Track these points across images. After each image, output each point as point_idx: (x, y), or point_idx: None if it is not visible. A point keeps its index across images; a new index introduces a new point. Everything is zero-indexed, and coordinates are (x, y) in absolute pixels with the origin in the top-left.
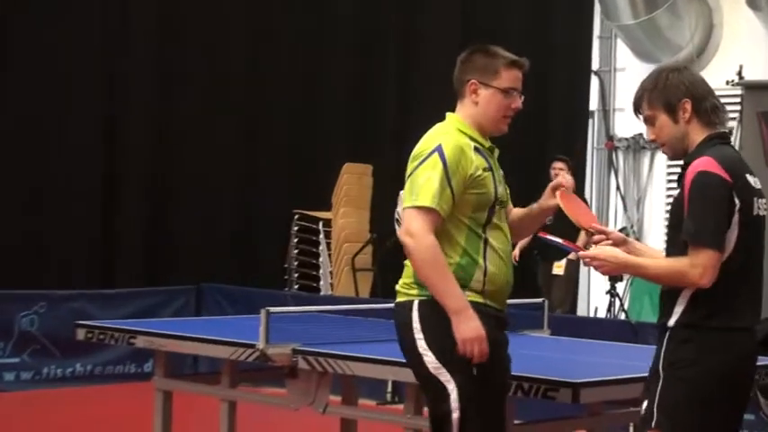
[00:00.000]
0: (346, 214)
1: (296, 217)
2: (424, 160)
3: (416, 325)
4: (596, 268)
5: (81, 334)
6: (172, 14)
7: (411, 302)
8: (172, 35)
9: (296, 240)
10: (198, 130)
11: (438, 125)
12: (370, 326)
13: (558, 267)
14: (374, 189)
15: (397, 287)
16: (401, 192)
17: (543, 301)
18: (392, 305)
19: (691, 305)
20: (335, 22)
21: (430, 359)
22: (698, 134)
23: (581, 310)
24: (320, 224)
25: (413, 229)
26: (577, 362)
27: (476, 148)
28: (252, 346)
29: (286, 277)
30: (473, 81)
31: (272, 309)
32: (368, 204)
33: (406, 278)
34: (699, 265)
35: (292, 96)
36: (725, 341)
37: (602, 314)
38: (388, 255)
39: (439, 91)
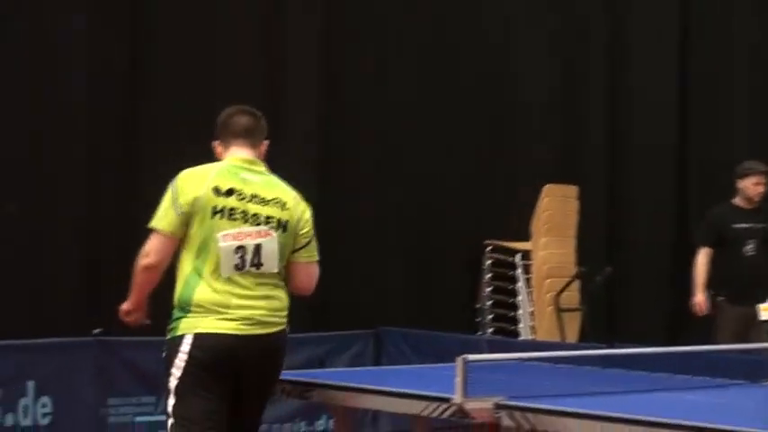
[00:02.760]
0: (548, 244)
1: (488, 249)
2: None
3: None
4: None
5: None
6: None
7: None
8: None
9: (489, 276)
10: (370, 148)
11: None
12: (580, 375)
13: (767, 310)
14: (581, 214)
15: (275, 318)
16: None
17: None
18: (605, 351)
19: None
20: (530, 19)
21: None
22: None
23: None
24: (518, 257)
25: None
26: None
27: None
28: (446, 399)
29: (478, 319)
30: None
31: (470, 356)
32: (574, 232)
33: (283, 310)
34: None
35: (481, 106)
36: None
37: None
38: (598, 291)
39: (654, 98)
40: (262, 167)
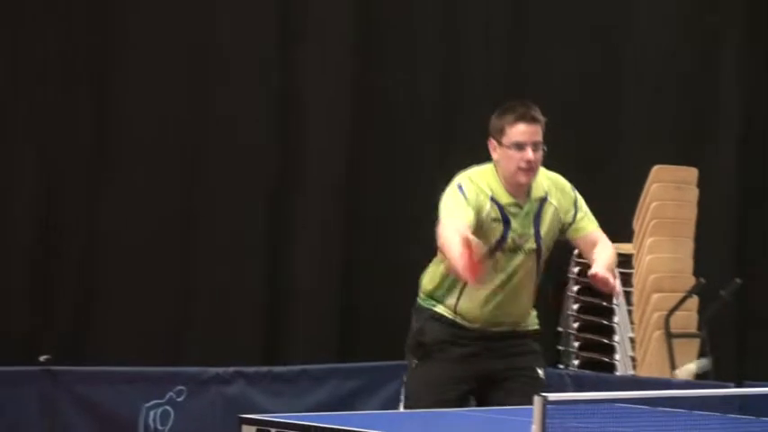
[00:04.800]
0: (657, 247)
1: (575, 252)
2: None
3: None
4: None
5: None
6: None
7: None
8: None
9: (576, 289)
10: None
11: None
12: (697, 424)
13: None
14: (702, 206)
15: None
16: None
17: None
18: (731, 391)
19: None
20: None
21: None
22: None
23: None
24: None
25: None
26: None
27: (492, 198)
28: None
29: (561, 347)
30: (491, 140)
31: (552, 396)
32: (692, 231)
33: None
34: None
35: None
36: None
37: None
38: (723, 311)
39: None
40: None
